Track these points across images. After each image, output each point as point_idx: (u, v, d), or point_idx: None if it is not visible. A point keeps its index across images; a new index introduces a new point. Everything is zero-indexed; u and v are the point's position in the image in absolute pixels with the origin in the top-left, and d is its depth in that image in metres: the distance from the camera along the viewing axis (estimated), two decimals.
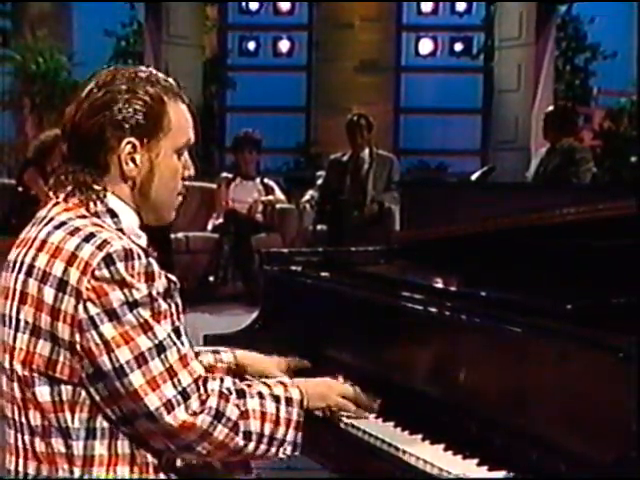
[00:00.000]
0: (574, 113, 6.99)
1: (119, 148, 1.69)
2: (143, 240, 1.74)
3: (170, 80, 1.76)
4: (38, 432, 1.63)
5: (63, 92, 9.08)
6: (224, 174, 7.99)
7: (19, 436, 1.66)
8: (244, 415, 1.66)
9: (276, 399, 1.72)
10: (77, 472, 1.62)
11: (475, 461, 1.70)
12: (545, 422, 1.67)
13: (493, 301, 1.97)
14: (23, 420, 1.64)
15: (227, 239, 7.27)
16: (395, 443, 1.80)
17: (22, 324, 1.62)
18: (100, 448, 1.61)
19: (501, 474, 1.65)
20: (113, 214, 1.69)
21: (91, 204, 1.68)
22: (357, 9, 11.33)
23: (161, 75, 1.76)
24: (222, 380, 1.69)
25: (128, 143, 1.69)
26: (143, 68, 1.77)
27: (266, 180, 7.87)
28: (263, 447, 1.69)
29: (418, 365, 2.06)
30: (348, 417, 1.92)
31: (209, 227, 7.65)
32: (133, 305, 1.57)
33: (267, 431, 1.69)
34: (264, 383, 1.78)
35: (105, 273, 1.56)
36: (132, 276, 1.58)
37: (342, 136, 7.71)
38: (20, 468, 1.67)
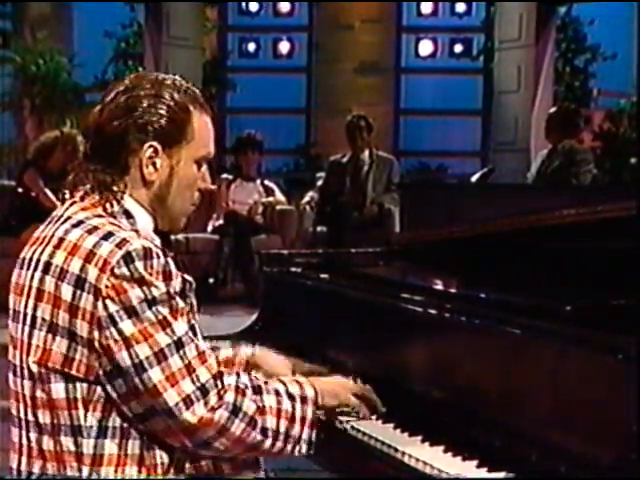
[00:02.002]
0: (577, 115, 6.97)
1: (141, 151, 1.72)
2: (157, 243, 1.74)
3: (197, 90, 1.80)
4: (47, 430, 1.63)
5: (63, 93, 9.09)
6: (224, 175, 7.99)
7: (24, 434, 1.67)
8: (261, 411, 1.67)
9: (292, 397, 1.74)
10: (85, 471, 1.62)
11: (475, 462, 1.70)
12: (545, 423, 1.67)
13: (493, 302, 1.97)
14: (30, 418, 1.65)
15: (227, 240, 7.27)
16: (395, 444, 1.81)
17: (39, 321, 1.63)
18: (110, 447, 1.62)
19: (501, 475, 1.65)
20: (129, 215, 1.72)
21: (108, 204, 1.70)
22: (357, 10, 11.32)
23: (187, 84, 1.79)
24: (238, 375, 1.70)
25: (150, 147, 1.72)
26: (169, 75, 1.80)
27: (266, 182, 7.87)
28: (279, 444, 1.70)
29: (418, 366, 2.06)
30: (352, 418, 1.93)
31: (209, 228, 7.64)
32: (152, 302, 1.60)
33: (283, 428, 1.70)
34: (280, 381, 1.79)
35: (125, 271, 1.59)
36: (151, 274, 1.60)
37: (342, 137, 7.70)
38: (23, 467, 1.67)
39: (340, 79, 11.24)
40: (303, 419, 1.74)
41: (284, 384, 1.77)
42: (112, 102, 1.73)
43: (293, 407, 1.73)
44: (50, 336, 1.62)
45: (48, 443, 1.64)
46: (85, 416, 1.62)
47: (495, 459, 1.68)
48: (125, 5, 10.85)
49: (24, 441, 1.67)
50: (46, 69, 9.17)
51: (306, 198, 7.85)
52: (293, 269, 2.69)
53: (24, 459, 1.67)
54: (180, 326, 1.63)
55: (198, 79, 10.38)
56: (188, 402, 1.60)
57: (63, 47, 9.72)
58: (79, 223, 1.66)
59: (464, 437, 1.79)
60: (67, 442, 1.62)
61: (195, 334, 1.67)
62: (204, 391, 1.61)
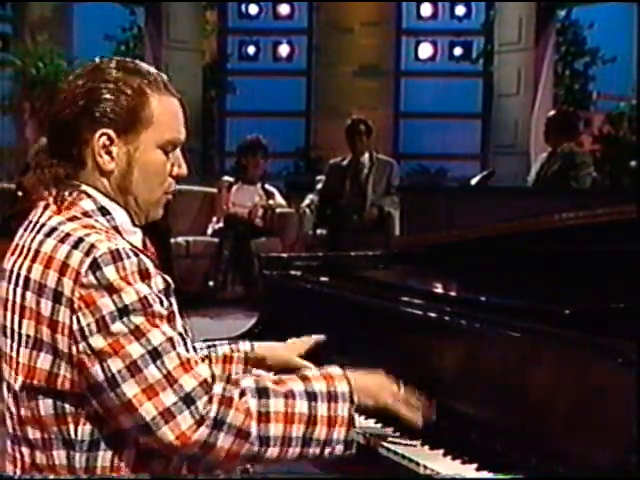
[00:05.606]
0: (575, 117, 6.99)
1: (93, 140, 1.62)
2: (138, 236, 1.69)
3: (157, 73, 1.69)
4: (38, 445, 1.59)
5: None
6: (225, 177, 8.00)
7: (17, 448, 1.62)
8: (261, 418, 1.56)
9: (312, 396, 1.61)
10: None
11: (474, 466, 1.70)
12: (544, 427, 1.67)
13: (492, 306, 1.97)
14: (19, 434, 1.61)
15: (227, 243, 7.28)
16: (394, 448, 1.80)
17: (24, 338, 1.57)
18: (103, 460, 1.57)
19: (500, 477, 1.65)
20: (105, 212, 1.64)
21: (81, 203, 1.62)
22: (357, 13, 11.34)
23: (147, 67, 1.69)
24: (228, 381, 1.59)
25: (103, 135, 1.62)
26: (129, 59, 1.71)
27: (267, 185, 7.88)
28: (295, 450, 1.59)
29: (417, 370, 2.06)
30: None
31: (209, 231, 7.65)
32: (123, 312, 1.51)
33: (296, 433, 1.58)
34: (303, 377, 1.66)
35: (92, 280, 1.51)
36: (123, 278, 1.52)
37: (342, 140, 7.72)
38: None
39: (340, 82, 11.26)
40: (330, 419, 1.60)
41: (306, 381, 1.63)
42: (64, 92, 1.66)
43: (311, 408, 1.60)
44: (35, 353, 1.56)
45: (41, 457, 1.59)
46: (75, 430, 1.56)
47: (495, 462, 1.68)
48: (125, 8, 10.88)
49: (17, 455, 1.62)
50: (46, 72, 9.16)
51: (306, 201, 7.87)
52: (293, 272, 2.69)
53: (18, 471, 1.63)
54: (158, 333, 1.53)
55: (198, 82, 10.42)
56: (167, 416, 1.50)
57: (63, 50, 9.71)
58: (52, 231, 1.59)
59: (463, 441, 1.79)
60: (59, 456, 1.57)
61: (184, 340, 1.58)
62: (189, 401, 1.51)
